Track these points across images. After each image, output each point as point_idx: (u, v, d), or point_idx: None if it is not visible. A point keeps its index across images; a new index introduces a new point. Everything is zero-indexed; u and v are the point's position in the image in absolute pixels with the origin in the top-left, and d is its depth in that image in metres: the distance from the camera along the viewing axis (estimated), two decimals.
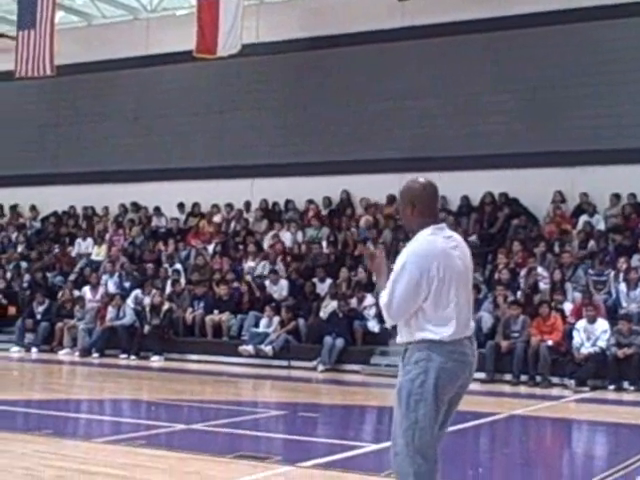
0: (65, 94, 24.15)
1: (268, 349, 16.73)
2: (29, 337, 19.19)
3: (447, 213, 19.30)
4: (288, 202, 21.18)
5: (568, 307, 15.62)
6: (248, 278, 18.72)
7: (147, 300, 18.52)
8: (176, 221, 22.01)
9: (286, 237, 20.20)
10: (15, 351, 18.78)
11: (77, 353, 18.24)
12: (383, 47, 20.39)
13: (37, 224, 24.18)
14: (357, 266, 18.06)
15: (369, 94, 20.46)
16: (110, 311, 18.49)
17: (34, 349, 18.89)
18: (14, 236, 23.57)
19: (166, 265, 20.06)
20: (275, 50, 21.30)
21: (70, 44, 22.29)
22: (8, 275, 21.47)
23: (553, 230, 18.09)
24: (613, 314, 15.35)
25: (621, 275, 15.96)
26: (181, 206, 22.28)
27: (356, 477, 6.93)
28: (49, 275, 21.11)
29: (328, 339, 16.22)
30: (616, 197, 18.16)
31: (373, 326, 16.60)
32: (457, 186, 18.81)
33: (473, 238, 17.81)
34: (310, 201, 20.91)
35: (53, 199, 23.98)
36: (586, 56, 18.63)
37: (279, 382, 15.24)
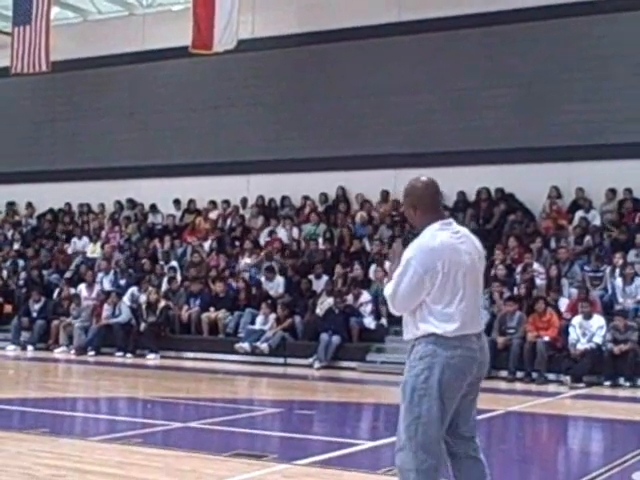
0: (61, 90, 24.10)
1: (264, 346, 16.72)
2: (25, 335, 19.15)
3: (443, 209, 19.28)
4: (284, 198, 21.16)
5: (564, 303, 15.62)
6: (245, 275, 18.70)
7: (143, 298, 18.50)
8: (172, 218, 21.98)
9: (282, 233, 20.19)
10: (11, 349, 18.76)
11: (73, 351, 18.22)
12: (379, 42, 20.36)
13: (33, 221, 24.14)
14: (353, 263, 18.04)
15: (365, 89, 20.44)
16: (106, 309, 18.46)
17: (30, 347, 18.86)
18: (10, 234, 23.53)
19: (162, 262, 20.04)
20: (271, 45, 21.29)
21: (66, 40, 22.23)
22: (4, 273, 21.43)
23: (549, 226, 18.09)
24: (609, 310, 15.35)
25: (617, 270, 15.96)
26: (177, 202, 22.25)
27: (353, 475, 6.92)
28: (45, 273, 21.07)
29: (324, 336, 16.21)
30: (612, 192, 18.16)
31: (369, 323, 16.60)
32: (453, 182, 18.75)
33: None
34: (306, 197, 20.89)
35: (49, 196, 23.94)
36: (581, 51, 18.62)
37: (275, 379, 15.24)
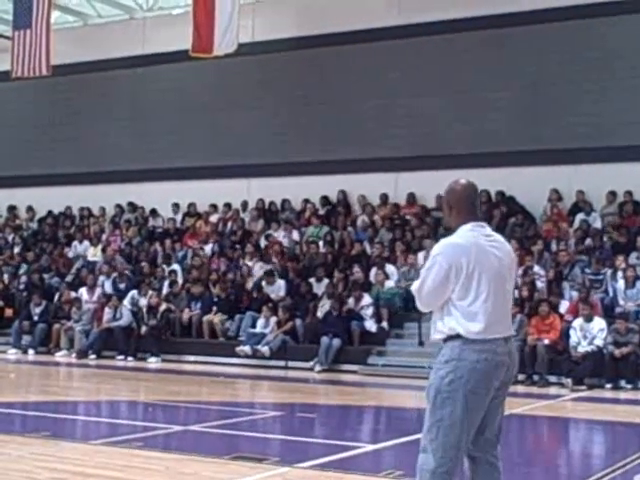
0: (61, 94, 24.12)
1: (265, 350, 16.72)
2: (26, 339, 19.15)
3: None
4: (284, 202, 21.17)
5: (565, 305, 15.61)
6: (248, 280, 18.68)
7: (144, 301, 18.49)
8: (173, 221, 21.98)
9: (282, 237, 20.18)
10: (12, 353, 18.75)
11: (74, 355, 18.23)
12: (379, 45, 20.38)
13: (34, 225, 24.15)
14: (353, 266, 18.04)
15: (366, 92, 20.45)
16: (107, 312, 18.47)
17: (31, 351, 18.84)
18: (11, 237, 23.53)
19: (163, 266, 20.04)
20: (271, 49, 21.29)
21: (66, 44, 22.28)
22: (5, 277, 21.43)
23: (550, 228, 18.08)
24: (610, 312, 15.34)
25: (619, 273, 15.95)
26: (176, 206, 22.23)
27: (354, 478, 6.91)
28: (46, 276, 21.06)
29: (325, 339, 16.20)
30: (612, 195, 18.16)
31: (370, 326, 16.60)
32: None
33: None
34: (307, 200, 20.89)
35: (49, 200, 23.95)
36: (583, 54, 18.63)
37: (276, 383, 15.24)
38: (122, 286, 19.65)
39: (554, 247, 17.45)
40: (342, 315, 16.58)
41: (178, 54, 20.84)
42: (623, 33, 18.43)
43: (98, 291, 19.53)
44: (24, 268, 21.61)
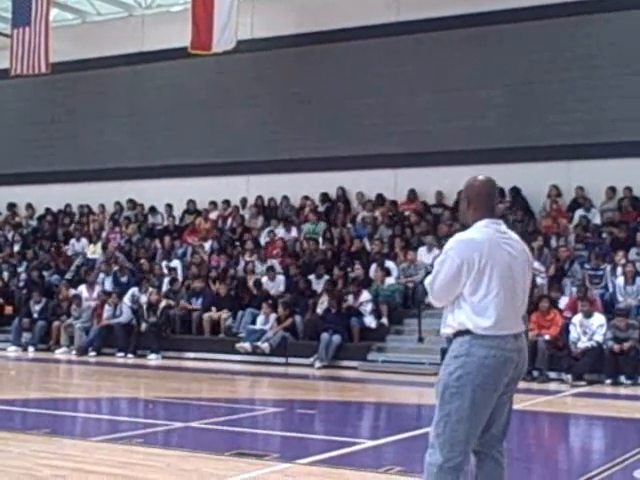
0: (60, 92, 24.11)
1: (265, 346, 16.73)
2: (26, 336, 19.16)
3: (443, 208, 19.30)
4: (283, 198, 21.18)
5: (564, 302, 15.63)
6: (248, 277, 18.69)
7: (144, 298, 18.50)
8: (172, 218, 21.99)
9: (281, 234, 20.20)
10: (12, 350, 18.76)
11: (74, 352, 18.24)
12: (377, 42, 20.37)
13: (33, 223, 24.15)
14: (353, 262, 18.05)
15: (364, 89, 20.44)
16: (107, 309, 18.48)
17: (31, 348, 18.87)
18: (10, 235, 23.53)
19: (163, 262, 20.04)
20: (270, 46, 21.29)
21: (65, 41, 22.28)
22: (5, 274, 21.43)
23: (549, 224, 18.09)
24: (610, 308, 15.35)
25: (619, 269, 15.95)
26: (169, 207, 22.17)
27: (354, 474, 6.92)
28: (45, 274, 21.07)
29: (325, 336, 16.21)
30: (612, 190, 18.16)
31: (370, 322, 16.60)
32: (453, 181, 18.72)
33: None
34: (306, 197, 20.90)
35: (49, 197, 23.95)
36: (580, 49, 18.63)
37: (276, 379, 15.26)
38: (124, 279, 19.66)
39: (554, 243, 17.46)
40: (342, 312, 16.59)
41: (177, 51, 20.85)
42: (619, 27, 18.41)
43: (98, 288, 19.54)
44: (24, 266, 21.62)
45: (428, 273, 5.42)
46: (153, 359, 17.48)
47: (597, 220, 17.92)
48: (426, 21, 19.78)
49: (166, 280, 19.18)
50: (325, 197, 20.84)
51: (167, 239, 20.88)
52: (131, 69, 23.29)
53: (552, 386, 14.09)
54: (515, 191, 18.76)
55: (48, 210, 24.03)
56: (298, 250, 19.53)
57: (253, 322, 17.35)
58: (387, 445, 8.49)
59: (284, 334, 16.89)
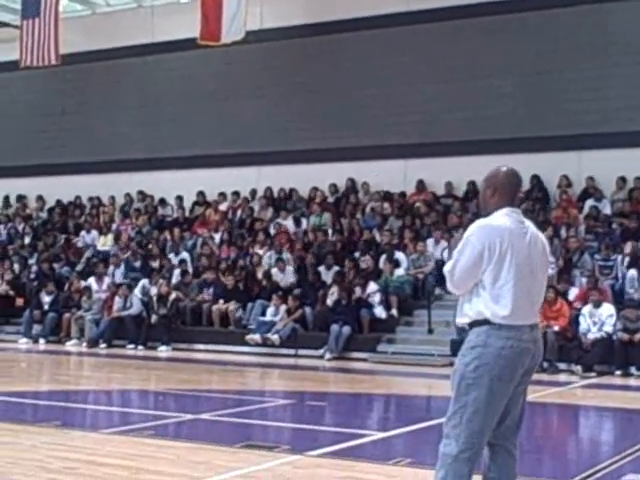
0: (70, 83, 24.13)
1: (275, 338, 16.74)
2: (37, 328, 19.22)
3: (453, 199, 19.26)
4: (292, 190, 21.17)
5: (574, 292, 15.58)
6: (258, 268, 18.69)
7: (154, 290, 18.53)
8: (182, 210, 22.01)
9: (291, 225, 20.19)
10: (23, 342, 18.82)
11: (85, 344, 18.29)
12: (387, 32, 20.31)
13: (43, 214, 24.21)
14: (363, 253, 18.03)
15: (373, 80, 20.39)
16: (117, 301, 18.52)
17: (42, 340, 18.92)
18: (21, 227, 23.60)
19: (172, 254, 20.07)
20: (279, 36, 21.25)
21: (75, 33, 22.24)
22: (15, 266, 21.50)
23: (560, 215, 18.03)
24: (620, 299, 15.30)
25: (626, 259, 15.88)
26: (179, 199, 22.19)
27: (364, 465, 6.93)
28: (56, 266, 21.12)
29: (335, 327, 16.21)
30: (622, 180, 18.09)
31: (380, 313, 16.59)
32: (463, 171, 18.78)
33: None
34: (315, 188, 20.88)
35: (59, 189, 24.00)
36: (591, 38, 18.54)
37: (286, 371, 15.28)
38: (137, 264, 19.69)
39: (564, 234, 17.41)
40: (351, 303, 16.59)
41: (186, 42, 20.84)
42: (629, 16, 18.31)
43: (108, 280, 19.58)
44: (34, 258, 21.69)
45: (441, 262, 5.41)
46: (163, 351, 17.52)
47: (607, 210, 17.85)
48: (436, 10, 19.71)
49: (176, 272, 19.21)
50: (335, 188, 20.81)
51: (177, 231, 20.90)
52: (141, 60, 23.28)
53: (562, 377, 14.07)
54: (536, 179, 18.65)
55: (58, 202, 24.10)
56: (307, 241, 19.52)
57: (263, 314, 17.37)
58: (397, 437, 8.50)
59: (294, 325, 16.91)
